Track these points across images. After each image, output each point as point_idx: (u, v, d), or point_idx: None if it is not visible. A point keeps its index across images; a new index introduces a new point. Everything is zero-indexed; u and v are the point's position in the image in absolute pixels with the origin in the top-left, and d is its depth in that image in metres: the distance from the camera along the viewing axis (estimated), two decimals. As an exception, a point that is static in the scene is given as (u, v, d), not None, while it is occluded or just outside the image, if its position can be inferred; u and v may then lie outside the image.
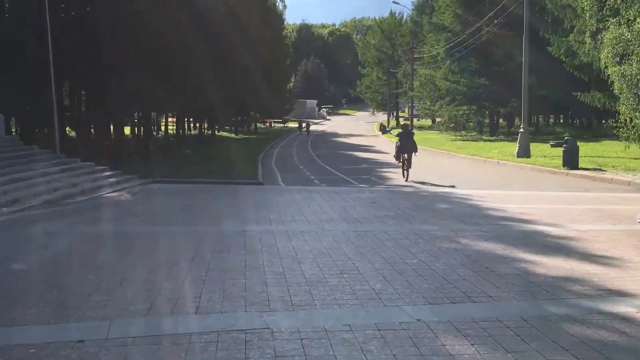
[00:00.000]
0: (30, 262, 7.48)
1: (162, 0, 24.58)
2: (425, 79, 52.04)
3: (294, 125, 69.44)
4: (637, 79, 17.47)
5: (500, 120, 53.29)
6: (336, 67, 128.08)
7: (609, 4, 19.13)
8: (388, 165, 23.38)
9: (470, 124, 48.78)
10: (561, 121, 53.44)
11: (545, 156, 24.90)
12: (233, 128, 59.08)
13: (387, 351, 4.40)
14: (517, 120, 47.13)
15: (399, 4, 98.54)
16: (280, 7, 61.83)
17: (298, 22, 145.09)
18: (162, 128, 50.62)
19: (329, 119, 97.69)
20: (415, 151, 19.29)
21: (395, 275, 6.52)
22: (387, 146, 37.05)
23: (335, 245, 8.20)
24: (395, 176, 19.85)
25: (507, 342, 4.56)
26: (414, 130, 28.24)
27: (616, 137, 22.68)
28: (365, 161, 29.61)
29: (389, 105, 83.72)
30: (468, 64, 45.18)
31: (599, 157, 23.39)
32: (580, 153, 20.85)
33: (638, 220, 10.11)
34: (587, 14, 21.38)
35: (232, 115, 49.38)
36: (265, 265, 6.99)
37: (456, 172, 22.51)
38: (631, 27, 17.61)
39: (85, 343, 4.59)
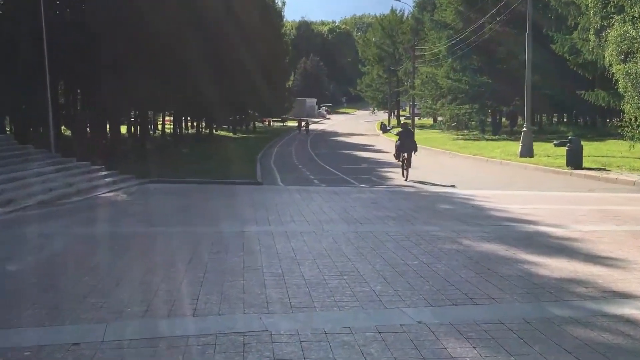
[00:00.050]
0: (25, 264, 7.48)
1: (160, -2, 24.63)
2: (426, 77, 52.05)
3: (293, 124, 69.45)
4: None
5: (503, 119, 53.30)
6: (336, 65, 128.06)
7: (613, 1, 19.16)
8: (389, 164, 23.38)
9: (473, 123, 48.77)
10: (565, 120, 53.46)
11: (548, 156, 24.90)
12: (231, 127, 59.09)
13: (388, 354, 4.40)
14: (520, 119, 47.13)
15: (400, 1, 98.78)
16: (280, 4, 61.85)
17: (297, 19, 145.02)
18: (159, 127, 50.61)
19: (328, 118, 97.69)
20: (415, 150, 19.35)
21: (396, 277, 6.52)
22: (387, 145, 37.04)
23: (335, 246, 8.20)
24: (396, 176, 19.85)
25: (510, 345, 4.56)
26: (414, 130, 28.27)
27: (621, 137, 22.73)
28: (366, 161, 29.63)
29: (389, 103, 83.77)
30: (470, 62, 45.19)
31: (603, 156, 23.39)
32: (584, 152, 20.85)
33: None
34: (592, 11, 21.41)
35: (230, 114, 49.37)
36: (263, 267, 6.98)
37: (458, 172, 22.51)
38: (636, 25, 17.63)
39: (81, 346, 4.59)
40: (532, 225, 10.01)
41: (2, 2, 26.35)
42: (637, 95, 18.21)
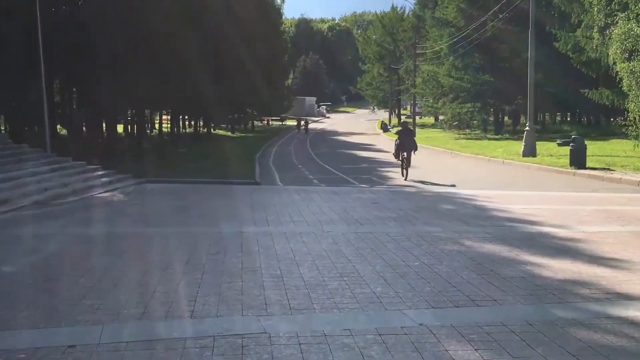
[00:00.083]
0: (19, 265, 7.48)
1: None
2: (427, 75, 52.05)
3: (292, 123, 69.44)
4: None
5: (505, 118, 53.27)
6: (336, 63, 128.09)
7: (617, -2, 19.17)
8: (389, 164, 23.37)
9: (475, 122, 48.77)
10: (568, 119, 53.45)
11: (551, 155, 24.91)
12: (229, 126, 59.06)
13: (389, 357, 4.40)
14: (522, 118, 47.13)
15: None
16: (278, 1, 61.84)
17: (297, 16, 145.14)
18: (156, 126, 50.59)
19: (328, 117, 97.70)
20: (415, 150, 19.43)
21: (396, 278, 6.52)
22: (388, 145, 37.03)
23: (335, 247, 8.20)
24: (397, 176, 19.86)
25: (513, 348, 4.56)
26: (415, 129, 28.30)
27: (625, 136, 22.73)
28: (366, 160, 29.63)
29: (390, 102, 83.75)
30: (472, 60, 45.16)
31: (607, 156, 23.40)
32: (588, 152, 20.86)
33: None
34: (595, 9, 21.43)
35: (229, 112, 49.34)
36: (262, 268, 6.98)
37: (460, 172, 22.52)
38: (640, 22, 17.64)
39: (77, 348, 4.59)
40: (535, 225, 10.01)
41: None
42: (641, 94, 18.23)
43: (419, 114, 68.68)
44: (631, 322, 5.15)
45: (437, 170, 22.79)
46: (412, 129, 21.33)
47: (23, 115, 25.72)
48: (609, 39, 20.23)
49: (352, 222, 10.39)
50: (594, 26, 23.69)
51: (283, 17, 71.35)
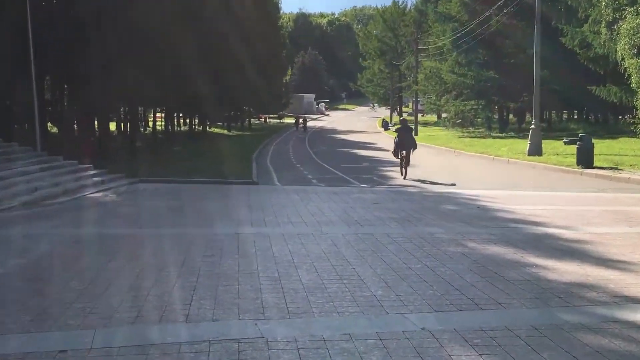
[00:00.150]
0: (8, 267, 7.47)
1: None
2: (430, 71, 52.10)
3: (291, 120, 69.48)
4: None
5: (510, 116, 53.34)
6: (335, 59, 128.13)
7: (626, -7, 19.20)
8: (391, 163, 23.38)
9: (478, 119, 48.82)
10: (575, 117, 53.51)
11: (558, 154, 24.94)
12: (225, 124, 59.07)
13: (390, 362, 4.40)
14: (528, 116, 47.21)
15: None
16: (276, -5, 61.88)
17: (295, 11, 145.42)
18: (150, 124, 50.57)
19: (327, 115, 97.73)
20: (414, 148, 19.59)
21: (398, 281, 6.53)
22: (389, 143, 36.93)
23: (335, 249, 8.20)
24: (399, 175, 19.90)
25: (517, 352, 4.56)
26: (417, 127, 28.32)
27: (634, 134, 22.77)
28: (367, 159, 29.65)
29: (391, 99, 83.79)
30: (476, 56, 45.22)
31: (615, 155, 23.42)
32: (596, 151, 20.88)
33: None
34: (603, 3, 21.46)
35: (225, 110, 49.36)
36: (259, 271, 6.98)
37: (463, 171, 22.55)
38: (650, 17, 17.67)
39: (68, 353, 4.58)
40: (541, 227, 10.02)
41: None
42: (650, 91, 18.26)
43: (421, 111, 68.69)
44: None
45: (439, 169, 22.81)
46: (411, 127, 21.42)
47: (13, 112, 25.68)
48: (617, 34, 20.26)
49: (352, 223, 10.39)
50: (601, 21, 23.72)
51: (281, 11, 71.52)
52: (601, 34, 24.12)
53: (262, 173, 22.28)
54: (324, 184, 18.39)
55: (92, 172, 17.71)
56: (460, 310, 5.59)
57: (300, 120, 60.71)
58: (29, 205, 12.64)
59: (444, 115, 57.98)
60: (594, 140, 21.20)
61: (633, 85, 19.58)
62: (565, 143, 29.16)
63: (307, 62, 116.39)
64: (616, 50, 20.52)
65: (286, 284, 6.43)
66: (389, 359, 4.43)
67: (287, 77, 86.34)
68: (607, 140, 30.37)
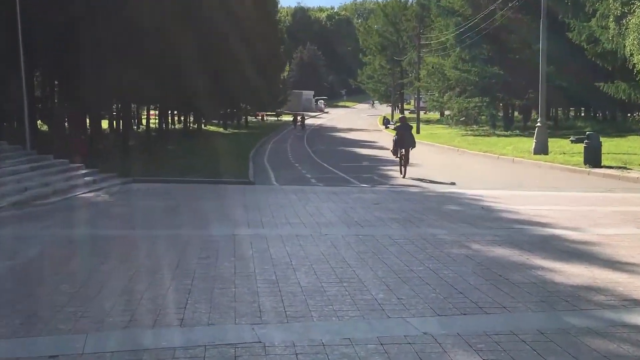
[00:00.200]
0: (-3, 270, 7.47)
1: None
2: (432, 67, 52.11)
3: (289, 118, 69.50)
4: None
5: (516, 114, 53.40)
6: (335, 54, 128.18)
7: (634, -14, 19.21)
8: (392, 162, 23.38)
9: (483, 117, 48.87)
10: (582, 114, 53.55)
11: (564, 153, 24.95)
12: (221, 122, 59.06)
13: (391, 367, 4.41)
14: (533, 114, 47.22)
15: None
16: (274, -12, 61.89)
17: (293, 5, 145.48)
18: (144, 122, 50.56)
19: (326, 112, 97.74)
20: (413, 146, 19.72)
21: (399, 284, 6.53)
22: (391, 142, 37.06)
23: (334, 250, 8.20)
24: (399, 174, 19.92)
25: (523, 357, 4.57)
26: (418, 124, 28.36)
27: (643, 132, 22.76)
28: (367, 158, 29.65)
29: (393, 96, 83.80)
30: (480, 52, 45.22)
31: (623, 154, 23.45)
32: (603, 150, 20.89)
33: None
34: (611, -3, 21.45)
35: (220, 107, 49.31)
36: (256, 273, 6.99)
37: (467, 171, 22.57)
38: (659, 11, 17.67)
39: (59, 358, 4.58)
40: (547, 228, 10.03)
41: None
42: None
43: (424, 108, 68.81)
44: (649, 331, 5.16)
45: (442, 168, 22.84)
46: (411, 124, 21.53)
47: (1, 110, 25.66)
48: (626, 28, 20.28)
49: (352, 224, 10.39)
50: (609, 15, 23.74)
51: (278, 5, 71.46)
52: (609, 28, 24.13)
53: (259, 172, 22.28)
54: (323, 183, 18.39)
55: (83, 172, 17.70)
56: (464, 314, 5.60)
57: (298, 118, 60.73)
58: (18, 205, 12.63)
59: (447, 112, 57.92)
60: (601, 139, 21.22)
61: (642, 81, 19.60)
62: (572, 141, 29.19)
63: (306, 57, 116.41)
64: (625, 46, 20.55)
65: (284, 287, 6.43)
66: (391, 365, 4.44)
67: (285, 74, 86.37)
68: (616, 139, 30.39)
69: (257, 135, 48.47)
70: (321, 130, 60.48)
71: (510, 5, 38.63)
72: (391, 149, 20.58)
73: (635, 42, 19.08)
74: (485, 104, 45.93)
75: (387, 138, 44.12)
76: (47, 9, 22.79)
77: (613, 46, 25.15)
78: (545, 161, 23.06)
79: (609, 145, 24.59)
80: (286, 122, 68.80)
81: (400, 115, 26.64)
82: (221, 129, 56.35)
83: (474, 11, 43.89)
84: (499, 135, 41.26)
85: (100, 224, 11.00)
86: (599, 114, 49.38)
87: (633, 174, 18.25)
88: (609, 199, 14.15)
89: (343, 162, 26.36)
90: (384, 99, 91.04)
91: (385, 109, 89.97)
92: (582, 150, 20.98)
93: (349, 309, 5.69)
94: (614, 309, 5.75)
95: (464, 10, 46.22)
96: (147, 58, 25.75)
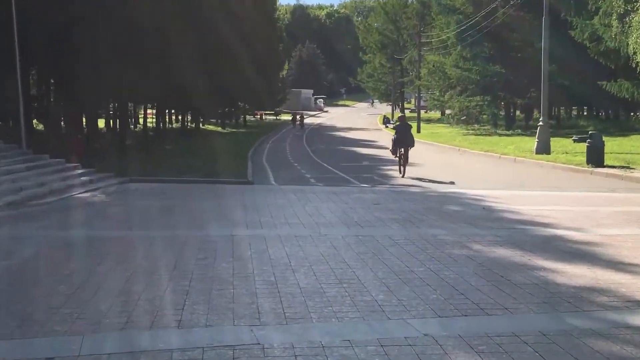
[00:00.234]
0: (-8, 271, 7.47)
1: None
2: (433, 66, 52.08)
3: (287, 117, 69.51)
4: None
5: (517, 113, 53.40)
6: (334, 53, 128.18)
7: (637, -16, 19.21)
8: (392, 162, 23.38)
9: (484, 116, 48.86)
10: (585, 114, 53.61)
11: (567, 152, 24.97)
12: (219, 121, 59.05)
13: (391, 369, 4.41)
14: (535, 113, 47.21)
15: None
16: (272, -15, 61.88)
17: (292, 2, 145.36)
18: (141, 121, 50.51)
19: (326, 111, 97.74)
20: (412, 145, 19.79)
21: (400, 285, 6.53)
22: (391, 141, 37.08)
23: (334, 251, 8.20)
24: (399, 174, 19.92)
25: (525, 359, 4.57)
26: (419, 123, 28.37)
27: (646, 132, 22.78)
28: (367, 158, 29.66)
29: (393, 95, 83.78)
30: (481, 50, 45.23)
31: (626, 153, 23.46)
32: (606, 149, 20.91)
33: None
34: (614, -6, 21.45)
35: (219, 106, 49.30)
36: (255, 274, 6.99)
37: (468, 170, 22.58)
38: (663, 9, 17.67)
39: (55, 360, 4.59)
40: (549, 228, 10.03)
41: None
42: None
43: (424, 107, 68.82)
44: (652, 332, 5.16)
45: (443, 168, 22.84)
46: (410, 124, 21.59)
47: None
48: (629, 26, 20.29)
49: (352, 224, 10.39)
50: (612, 13, 23.74)
51: (277, 3, 71.42)
52: (612, 26, 24.13)
53: (258, 172, 22.27)
54: (322, 183, 18.39)
55: (79, 171, 17.70)
56: (465, 315, 5.60)
57: (298, 117, 60.74)
58: (14, 205, 12.62)
59: (448, 111, 57.95)
60: (604, 138, 21.24)
61: (645, 80, 19.61)
62: (575, 141, 29.19)
63: (305, 56, 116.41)
64: (628, 44, 20.56)
65: (283, 288, 6.43)
66: (391, 367, 4.44)
67: (284, 72, 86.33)
68: (619, 138, 30.41)
69: (255, 134, 48.48)
70: (321, 129, 60.49)
71: (511, 2, 38.63)
72: (390, 148, 20.65)
73: (638, 40, 19.09)
74: (486, 102, 45.92)
75: (387, 137, 44.13)
76: (43, 7, 22.79)
77: (616, 44, 25.15)
78: (548, 161, 23.07)
79: (612, 145, 24.61)
80: (285, 121, 68.82)
81: (400, 115, 26.71)
82: (219, 128, 56.34)
83: (475, 9, 43.88)
84: (500, 135, 41.27)
85: (97, 225, 10.99)
86: (602, 113, 49.39)
87: (636, 174, 18.26)
88: (611, 199, 14.16)
89: (343, 161, 26.37)
90: (384, 97, 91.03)
91: (385, 108, 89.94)
92: (585, 150, 21.00)
93: (349, 310, 5.69)
94: (616, 310, 5.75)
95: (465, 8, 46.23)
96: (144, 57, 25.75)
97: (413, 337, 5.01)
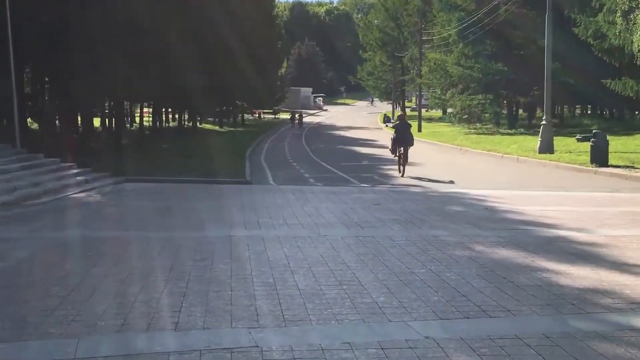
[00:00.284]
0: (-14, 272, 7.46)
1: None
2: (435, 64, 52.03)
3: (286, 116, 69.53)
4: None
5: (520, 111, 53.36)
6: (334, 50, 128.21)
7: (642, -20, 19.21)
8: (393, 162, 23.39)
9: (486, 115, 48.82)
10: (589, 112, 53.58)
11: (570, 152, 24.96)
12: (217, 120, 59.06)
13: (392, 373, 4.41)
14: (538, 111, 47.24)
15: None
16: (271, -18, 61.87)
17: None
18: (137, 119, 50.52)
19: (325, 109, 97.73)
20: (412, 144, 19.85)
21: (401, 287, 6.53)
22: (390, 140, 37.08)
23: (333, 252, 8.20)
24: (399, 174, 19.94)
25: (528, 362, 4.58)
26: (420, 122, 28.36)
27: (651, 131, 22.79)
28: (367, 157, 29.66)
29: (393, 93, 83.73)
30: (483, 48, 45.16)
31: (631, 152, 23.46)
32: (610, 148, 20.90)
33: None
34: (618, -9, 21.45)
35: (216, 105, 49.34)
36: (253, 276, 6.99)
37: (470, 170, 22.58)
38: (668, 6, 17.67)
39: (49, 364, 4.59)
40: (552, 229, 10.03)
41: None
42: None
43: (425, 106, 68.78)
44: (657, 335, 5.17)
45: (444, 167, 22.84)
46: (410, 123, 21.65)
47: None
48: (634, 24, 20.29)
49: (351, 225, 10.39)
50: (617, 10, 23.74)
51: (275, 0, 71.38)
52: (616, 24, 24.13)
53: (256, 171, 22.29)
54: (321, 183, 18.39)
55: (75, 171, 17.69)
56: (467, 317, 5.60)
57: (296, 115, 60.75)
58: (8, 206, 12.61)
59: (449, 110, 57.89)
60: (608, 137, 21.22)
61: (650, 78, 19.61)
62: (578, 140, 29.09)
63: (304, 54, 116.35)
64: (632, 42, 20.56)
65: (282, 289, 6.43)
66: (391, 370, 4.44)
67: (283, 70, 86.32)
68: (623, 137, 30.41)
69: (254, 133, 48.48)
70: (320, 128, 60.50)
71: (514, -1, 38.62)
72: (389, 147, 20.69)
73: (643, 37, 19.10)
74: (488, 101, 45.89)
75: (387, 136, 44.07)
76: (38, 4, 22.78)
77: (620, 42, 25.14)
78: (551, 160, 23.06)
79: (616, 144, 24.60)
80: (284, 120, 68.83)
81: (400, 113, 26.76)
82: (217, 127, 56.35)
83: (477, 6, 43.83)
84: (503, 134, 41.26)
85: (92, 225, 11.00)
86: (606, 112, 49.37)
87: (641, 174, 18.26)
88: (616, 199, 14.16)
89: (342, 161, 26.38)
90: (385, 96, 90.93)
91: (385, 107, 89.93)
92: (589, 149, 20.98)
93: (349, 313, 5.69)
94: (621, 312, 5.75)
95: (467, 5, 46.16)
96: (141, 55, 25.76)
97: (414, 339, 5.01)
